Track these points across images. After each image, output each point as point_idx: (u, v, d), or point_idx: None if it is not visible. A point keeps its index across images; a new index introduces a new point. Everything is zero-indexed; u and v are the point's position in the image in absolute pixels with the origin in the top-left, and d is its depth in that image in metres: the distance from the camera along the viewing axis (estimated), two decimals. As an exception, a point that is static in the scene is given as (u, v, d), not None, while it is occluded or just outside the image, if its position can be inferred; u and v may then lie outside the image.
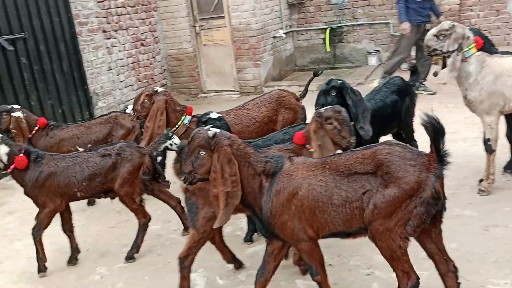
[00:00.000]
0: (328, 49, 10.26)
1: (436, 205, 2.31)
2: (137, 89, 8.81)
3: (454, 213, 3.77)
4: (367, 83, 8.60)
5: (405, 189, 2.22)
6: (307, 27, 10.49)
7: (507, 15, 8.97)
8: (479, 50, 3.90)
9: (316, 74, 4.83)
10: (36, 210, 3.53)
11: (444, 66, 4.07)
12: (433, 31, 3.96)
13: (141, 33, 8.98)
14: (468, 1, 9.17)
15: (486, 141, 3.98)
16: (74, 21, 7.06)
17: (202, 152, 2.40)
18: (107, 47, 8.02)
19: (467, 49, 3.88)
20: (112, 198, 3.68)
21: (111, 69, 8.09)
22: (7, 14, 5.90)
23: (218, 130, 2.47)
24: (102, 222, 4.44)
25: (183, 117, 4.02)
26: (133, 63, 8.73)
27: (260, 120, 4.15)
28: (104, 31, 7.95)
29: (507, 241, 3.32)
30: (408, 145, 2.47)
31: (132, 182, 3.54)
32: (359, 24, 10.02)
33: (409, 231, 2.29)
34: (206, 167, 2.42)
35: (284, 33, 9.92)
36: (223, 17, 9.18)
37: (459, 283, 2.56)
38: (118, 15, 8.28)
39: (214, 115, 4.00)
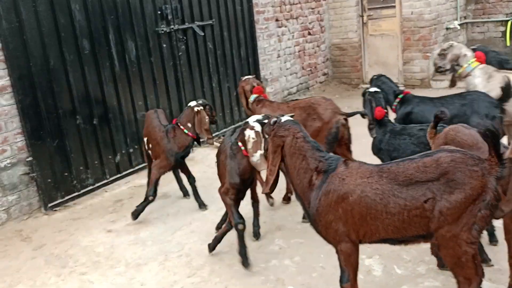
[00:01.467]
0: (508, 43, 9.35)
1: (497, 206, 2.29)
2: (300, 77, 9.10)
3: None
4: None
5: (471, 194, 2.25)
6: (485, 18, 9.69)
7: None
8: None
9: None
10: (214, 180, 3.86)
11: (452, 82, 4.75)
12: (438, 50, 4.59)
13: (309, 22, 9.20)
14: None
15: None
16: (253, 10, 7.52)
17: (266, 135, 2.82)
18: (278, 35, 8.40)
19: (467, 65, 4.41)
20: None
21: (280, 57, 8.47)
22: (199, 2, 6.52)
23: (284, 119, 2.72)
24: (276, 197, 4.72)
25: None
26: (299, 51, 9.01)
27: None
28: (277, 20, 8.34)
29: None
30: (466, 151, 2.42)
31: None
32: (547, 16, 8.95)
33: (474, 235, 2.29)
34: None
35: (458, 24, 9.30)
36: (393, 6, 8.95)
37: None
38: (291, 4, 8.61)
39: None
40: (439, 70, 4.65)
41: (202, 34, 6.48)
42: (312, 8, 9.23)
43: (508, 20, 9.25)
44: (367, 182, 2.44)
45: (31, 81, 4.74)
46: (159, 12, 5.98)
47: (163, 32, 6.02)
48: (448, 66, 4.57)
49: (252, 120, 3.37)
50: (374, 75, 4.60)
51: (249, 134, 3.29)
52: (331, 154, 2.82)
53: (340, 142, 4.11)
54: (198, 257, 3.81)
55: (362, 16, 9.39)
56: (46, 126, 4.89)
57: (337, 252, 2.62)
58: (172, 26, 6.13)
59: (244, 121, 3.50)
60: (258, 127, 3.27)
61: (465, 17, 9.76)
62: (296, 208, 4.24)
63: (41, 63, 4.81)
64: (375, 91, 3.93)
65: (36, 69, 4.76)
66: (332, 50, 9.89)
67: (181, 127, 4.41)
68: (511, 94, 3.86)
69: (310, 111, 4.11)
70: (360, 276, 3.22)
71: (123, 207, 5.00)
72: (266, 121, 3.19)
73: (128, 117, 5.71)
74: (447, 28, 9.12)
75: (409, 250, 3.47)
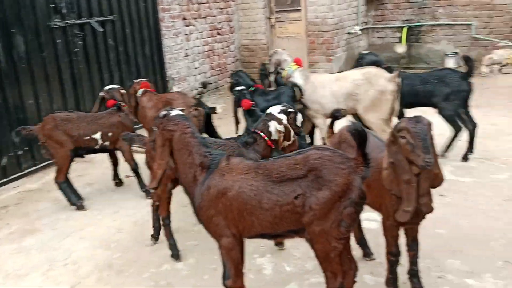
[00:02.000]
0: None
1: (362, 204, 2.39)
2: (209, 77, 9.05)
3: None
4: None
5: (337, 191, 2.32)
6: (384, 24, 10.28)
7: None
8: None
9: (204, 86, 5.58)
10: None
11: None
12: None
13: (218, 22, 9.18)
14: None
15: (322, 139, 5.02)
16: (158, 7, 7.35)
17: (154, 128, 2.71)
18: (186, 34, 8.29)
19: (288, 68, 4.99)
20: None
21: (188, 56, 8.36)
22: (99, -3, 6.25)
23: (174, 113, 2.68)
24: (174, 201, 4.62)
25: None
26: (208, 51, 8.96)
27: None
28: (184, 18, 8.22)
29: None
30: (336, 149, 2.54)
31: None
32: (439, 24, 9.68)
33: (343, 232, 2.36)
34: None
35: (359, 30, 9.77)
36: (299, 10, 9.20)
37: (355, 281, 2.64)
38: (198, 3, 8.52)
39: None
40: (266, 73, 5.34)
41: (101, 30, 6.20)
42: (221, 8, 9.22)
43: (404, 27, 9.89)
44: (244, 178, 2.48)
45: None
46: (52, 6, 5.63)
47: (56, 26, 5.67)
48: (272, 69, 5.22)
49: (276, 111, 3.43)
50: (233, 70, 5.34)
51: (275, 126, 3.39)
52: (217, 150, 2.79)
53: None
54: (86, 264, 3.61)
55: (270, 18, 9.55)
56: None
57: (219, 247, 2.62)
58: (67, 21, 5.80)
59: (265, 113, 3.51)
60: (284, 119, 3.41)
61: (366, 23, 10.28)
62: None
63: None
64: (242, 89, 4.54)
65: None
66: (241, 51, 9.95)
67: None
68: (473, 67, 4.89)
69: (167, 105, 4.51)
70: (250, 276, 3.25)
71: (8, 213, 4.64)
72: (290, 110, 3.45)
73: (16, 117, 5.31)
74: (349, 33, 9.55)
75: (299, 247, 3.54)
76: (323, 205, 2.34)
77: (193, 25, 8.46)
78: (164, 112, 2.70)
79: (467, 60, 4.86)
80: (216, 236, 2.60)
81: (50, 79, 5.64)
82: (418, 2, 9.74)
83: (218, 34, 9.21)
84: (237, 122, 4.77)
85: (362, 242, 3.41)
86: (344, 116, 3.43)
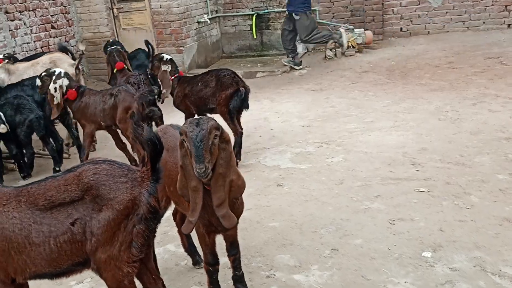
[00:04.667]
0: (255, 36, 10.03)
1: (155, 219, 2.12)
2: (48, 76, 8.13)
3: (363, 206, 3.67)
4: (292, 71, 8.46)
5: (120, 209, 2.01)
6: (234, 12, 10.18)
7: (428, 4, 9.13)
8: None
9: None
10: None
11: None
12: None
13: (52, 15, 8.27)
14: (391, -11, 9.24)
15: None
16: (-33, 0, 6.32)
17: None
18: (11, 30, 7.30)
19: None
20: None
21: (16, 54, 7.37)
22: None
23: None
24: None
25: None
26: (42, 47, 8.03)
27: None
28: (7, 12, 7.22)
29: (411, 235, 3.23)
30: (115, 160, 2.22)
31: (125, 121, 4.28)
32: (285, 11, 9.83)
33: (135, 253, 2.07)
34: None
35: (209, 18, 9.54)
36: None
37: None
38: (23, -5, 7.55)
39: None
40: None
41: None
42: (53, 0, 8.30)
43: (253, 14, 9.88)
44: (3, 210, 2.04)
45: None
46: None
47: None
48: None
49: None
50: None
51: None
52: None
53: None
54: None
55: (112, 9, 8.87)
56: None
57: None
58: None
59: None
60: None
61: (216, 11, 10.08)
62: None
63: None
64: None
65: None
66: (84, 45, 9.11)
67: None
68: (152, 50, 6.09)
69: None
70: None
71: None
72: None
73: None
74: (198, 22, 9.27)
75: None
76: (106, 227, 2.00)
77: (19, 19, 7.48)
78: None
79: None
80: None
81: None
82: (264, -11, 9.79)
83: (53, 28, 8.30)
84: None
85: (190, 249, 3.15)
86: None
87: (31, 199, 2.06)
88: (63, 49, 6.19)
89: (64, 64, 5.53)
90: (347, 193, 3.90)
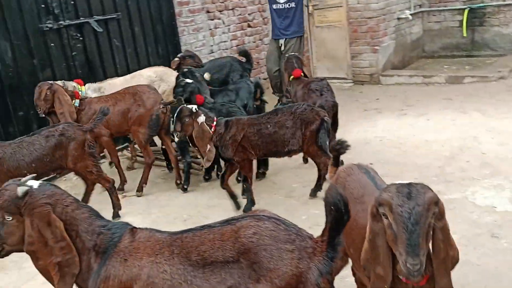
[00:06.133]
0: (465, 34, 8.63)
1: None
2: (241, 74, 8.25)
3: None
4: (510, 76, 6.98)
5: (280, 286, 1.56)
6: (441, 7, 8.94)
7: None
8: None
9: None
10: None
11: None
12: None
13: (249, 14, 8.33)
14: None
15: None
16: (174, 1, 6.64)
17: (8, 217, 1.80)
18: (210, 29, 7.53)
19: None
20: (61, 174, 4.18)
21: (213, 52, 7.60)
22: (100, -7, 5.63)
23: (35, 185, 1.85)
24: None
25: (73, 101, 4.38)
26: (237, 45, 8.14)
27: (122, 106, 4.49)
28: (208, 12, 7.46)
29: None
30: (281, 218, 1.72)
31: (82, 157, 3.81)
32: (507, 5, 8.21)
33: None
34: (17, 237, 1.82)
35: (410, 14, 8.53)
36: (339, -5, 8.14)
37: None
38: (224, -6, 7.73)
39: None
40: None
41: (100, 30, 5.57)
42: (252, -2, 8.36)
43: (465, 9, 8.51)
44: (155, 261, 1.70)
45: None
46: (42, 6, 5.06)
47: (48, 29, 5.11)
48: None
49: None
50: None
51: None
52: (115, 222, 1.98)
53: (161, 128, 4.63)
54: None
55: (307, 6, 8.55)
56: None
57: None
58: (61, 22, 5.22)
59: None
60: None
61: (420, 6, 8.98)
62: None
63: None
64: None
65: None
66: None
67: None
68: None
69: (136, 97, 4.47)
70: None
71: None
72: None
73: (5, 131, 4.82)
74: (398, 18, 8.35)
75: None
76: None
77: (218, 18, 7.67)
78: (19, 189, 1.82)
79: None
80: None
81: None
82: (482, -22, 8.34)
83: (249, 26, 8.36)
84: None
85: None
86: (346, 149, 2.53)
87: (184, 251, 1.71)
88: (245, 54, 5.85)
89: (171, 78, 5.20)
90: None
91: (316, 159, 4.01)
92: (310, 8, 8.51)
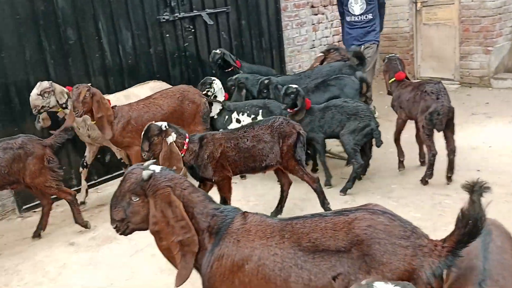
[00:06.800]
0: None
1: None
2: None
3: None
4: None
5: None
6: None
7: None
8: None
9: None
10: None
11: None
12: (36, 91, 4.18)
13: (353, 9, 8.21)
14: None
15: None
16: (281, -4, 6.77)
17: (134, 198, 2.00)
18: (313, 24, 7.56)
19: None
20: (15, 188, 4.00)
21: (314, 47, 7.63)
22: (213, -12, 5.89)
23: (157, 169, 2.01)
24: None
25: None
26: (339, 41, 8.08)
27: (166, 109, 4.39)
28: (312, 6, 7.49)
29: None
30: (397, 215, 1.74)
31: (40, 172, 3.76)
32: None
33: None
34: (141, 216, 2.00)
35: (532, 13, 7.87)
36: (452, -8, 7.73)
37: None
38: (329, -11, 7.70)
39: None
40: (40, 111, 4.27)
41: (211, 23, 5.83)
42: (358, -7, 8.21)
43: None
44: (266, 244, 1.80)
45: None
46: (161, -1, 5.43)
47: (165, 20, 5.45)
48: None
49: None
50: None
51: None
52: (227, 206, 2.10)
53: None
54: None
55: (415, 2, 8.24)
56: (21, 123, 4.54)
57: None
58: (176, 14, 5.54)
59: None
60: None
61: (543, 4, 8.26)
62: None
63: (16, 54, 4.44)
64: None
65: (10, 61, 4.40)
66: (380, 41, 8.81)
67: None
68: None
69: (182, 97, 4.49)
70: None
71: (101, 214, 4.57)
72: None
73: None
74: (516, 18, 7.75)
75: None
76: None
77: (322, 13, 7.67)
78: (145, 172, 1.99)
79: None
80: None
81: (157, 76, 5.46)
82: None
83: (352, 22, 8.24)
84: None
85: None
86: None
87: (295, 237, 1.79)
88: (358, 55, 5.37)
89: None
90: None
91: (295, 173, 3.80)
92: (419, 5, 8.18)
